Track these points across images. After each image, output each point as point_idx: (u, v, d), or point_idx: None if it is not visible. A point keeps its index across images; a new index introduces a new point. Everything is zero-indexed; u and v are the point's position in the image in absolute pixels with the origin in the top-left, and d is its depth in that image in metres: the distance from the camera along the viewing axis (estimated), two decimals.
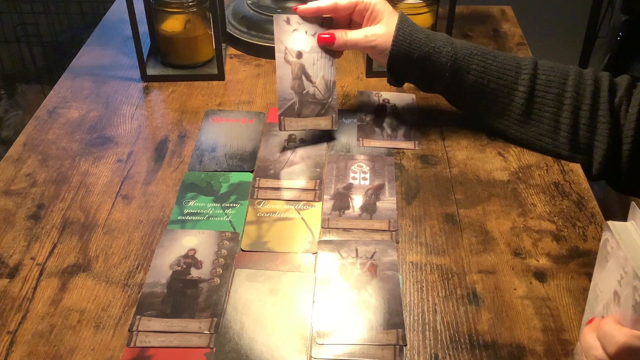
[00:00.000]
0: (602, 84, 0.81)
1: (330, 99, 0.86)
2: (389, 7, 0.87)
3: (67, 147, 0.88)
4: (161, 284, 0.67)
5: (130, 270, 0.70)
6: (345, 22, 0.90)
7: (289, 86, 0.86)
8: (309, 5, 0.87)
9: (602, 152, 0.80)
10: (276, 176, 0.82)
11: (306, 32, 0.87)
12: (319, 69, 0.87)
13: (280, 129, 0.85)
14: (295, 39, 0.87)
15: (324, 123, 0.86)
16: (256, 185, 0.81)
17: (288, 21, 0.88)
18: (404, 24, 0.85)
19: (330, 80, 0.87)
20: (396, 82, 0.89)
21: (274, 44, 1.08)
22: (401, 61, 0.85)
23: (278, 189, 0.80)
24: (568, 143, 0.83)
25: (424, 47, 0.83)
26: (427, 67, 0.84)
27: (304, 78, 0.86)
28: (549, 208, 0.78)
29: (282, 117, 0.85)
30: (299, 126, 0.85)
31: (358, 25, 0.88)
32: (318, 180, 0.81)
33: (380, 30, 0.85)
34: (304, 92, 0.86)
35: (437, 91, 0.89)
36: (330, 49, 0.87)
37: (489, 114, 0.86)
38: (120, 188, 0.81)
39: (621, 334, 0.49)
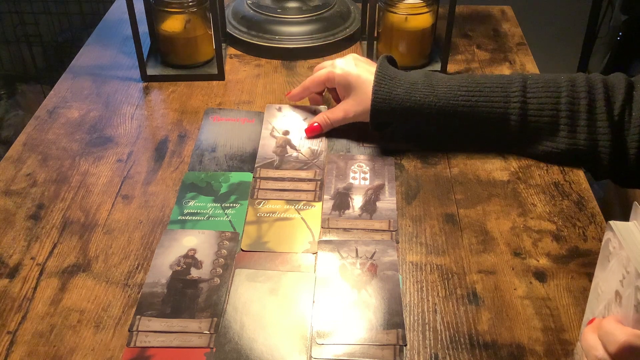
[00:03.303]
0: (596, 92, 0.79)
1: (315, 160, 0.85)
2: (351, 75, 0.85)
3: (67, 147, 0.88)
4: (161, 284, 0.67)
5: (130, 270, 0.69)
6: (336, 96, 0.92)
7: (272, 151, 0.86)
8: (295, 90, 0.92)
9: (605, 163, 0.80)
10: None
11: (296, 118, 0.92)
12: (307, 142, 0.88)
13: (254, 176, 0.82)
14: (284, 121, 0.91)
15: (305, 174, 0.83)
16: (256, 186, 0.81)
17: (279, 109, 0.93)
18: (380, 83, 0.82)
19: (318, 150, 0.86)
20: (386, 135, 0.90)
21: (274, 44, 1.08)
22: (385, 119, 0.85)
23: (278, 189, 0.80)
24: (570, 155, 0.82)
25: (404, 103, 0.82)
26: (412, 121, 0.84)
27: (288, 147, 0.87)
28: (549, 208, 0.78)
29: (258, 169, 0.83)
30: (275, 175, 0.82)
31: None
32: (318, 181, 0.81)
33: (353, 103, 0.86)
34: (286, 154, 0.86)
35: (431, 134, 0.88)
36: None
37: (486, 142, 0.86)
38: (120, 188, 0.81)
39: (623, 333, 0.49)
